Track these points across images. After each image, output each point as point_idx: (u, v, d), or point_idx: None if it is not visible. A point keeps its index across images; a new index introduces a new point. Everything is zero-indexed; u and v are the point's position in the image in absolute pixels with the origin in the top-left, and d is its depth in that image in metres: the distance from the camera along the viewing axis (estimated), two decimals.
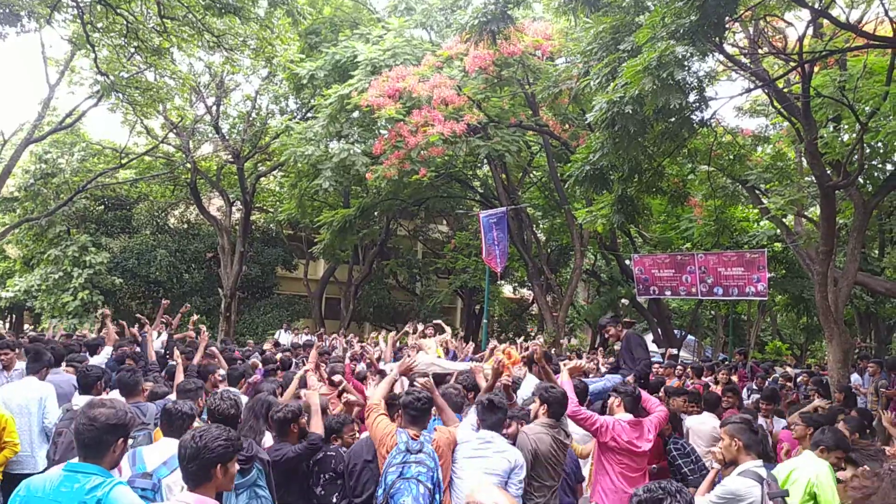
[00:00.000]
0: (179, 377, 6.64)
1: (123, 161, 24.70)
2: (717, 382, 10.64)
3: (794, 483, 4.56)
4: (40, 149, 23.67)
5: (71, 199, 23.16)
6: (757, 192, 14.38)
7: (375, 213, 23.48)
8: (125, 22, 13.80)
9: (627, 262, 19.98)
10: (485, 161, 19.85)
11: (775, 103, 11.11)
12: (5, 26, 14.53)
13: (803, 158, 13.20)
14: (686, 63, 7.24)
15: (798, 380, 12.38)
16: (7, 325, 21.40)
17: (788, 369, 14.62)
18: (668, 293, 16.90)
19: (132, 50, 15.41)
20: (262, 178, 26.97)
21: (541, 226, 25.97)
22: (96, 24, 14.25)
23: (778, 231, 15.49)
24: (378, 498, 4.05)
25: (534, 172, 23.92)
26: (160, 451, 4.26)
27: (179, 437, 3.40)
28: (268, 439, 5.14)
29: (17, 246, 26.19)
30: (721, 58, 9.82)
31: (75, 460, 3.09)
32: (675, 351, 17.32)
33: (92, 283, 23.41)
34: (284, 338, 20.01)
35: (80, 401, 5.70)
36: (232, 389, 6.01)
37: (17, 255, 27.01)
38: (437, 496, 3.97)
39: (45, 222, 23.77)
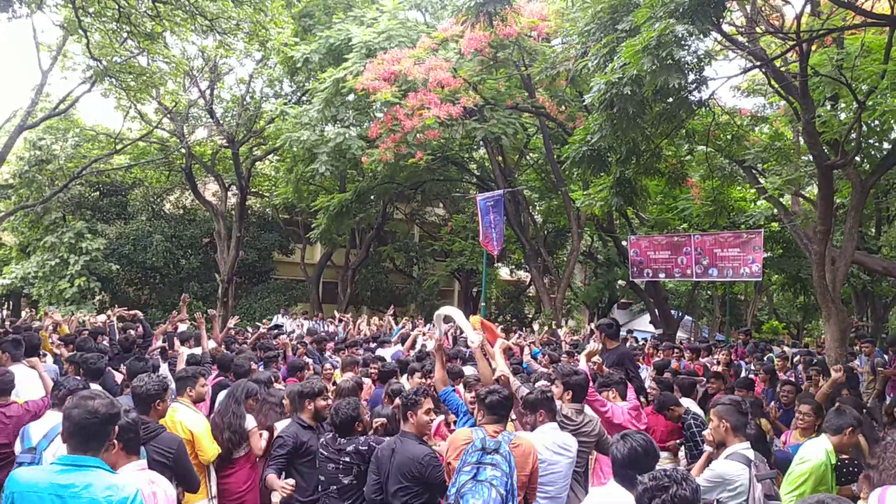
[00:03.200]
0: (181, 365, 6.66)
1: (118, 147, 24.58)
2: (719, 363, 10.67)
3: (803, 465, 4.50)
4: (34, 135, 23.51)
5: (66, 185, 23.05)
6: (754, 172, 14.37)
7: (372, 197, 23.42)
8: (117, 6, 13.64)
9: (624, 243, 19.99)
10: (481, 143, 19.80)
11: (773, 83, 11.08)
12: None
13: (801, 138, 13.19)
14: (685, 42, 7.20)
15: (794, 359, 12.43)
16: (4, 311, 21.36)
17: (786, 348, 14.67)
18: (662, 275, 16.92)
19: (125, 34, 15.27)
20: (258, 163, 26.88)
21: (538, 208, 25.95)
22: (88, 9, 14.09)
23: (775, 211, 15.50)
24: (449, 497, 3.84)
25: (530, 154, 23.87)
26: (43, 426, 4.61)
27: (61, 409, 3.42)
28: (250, 422, 5.30)
29: (12, 233, 26.11)
30: (718, 37, 9.77)
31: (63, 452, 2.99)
32: (655, 331, 17.40)
33: (89, 270, 23.34)
34: (281, 322, 20.02)
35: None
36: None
37: (13, 243, 26.93)
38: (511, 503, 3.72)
39: (41, 209, 23.67)
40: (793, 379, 9.60)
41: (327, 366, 8.30)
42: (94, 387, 5.77)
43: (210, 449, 5.02)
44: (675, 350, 12.07)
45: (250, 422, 5.30)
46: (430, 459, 4.14)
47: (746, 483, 3.92)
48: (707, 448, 4.61)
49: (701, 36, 7.90)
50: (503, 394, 4.26)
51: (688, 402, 6.93)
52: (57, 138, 24.08)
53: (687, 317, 27.63)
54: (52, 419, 4.61)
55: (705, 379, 8.92)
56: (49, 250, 23.62)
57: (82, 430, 2.89)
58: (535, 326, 6.10)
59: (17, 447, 4.72)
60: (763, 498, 3.95)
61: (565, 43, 13.87)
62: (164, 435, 4.43)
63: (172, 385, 5.45)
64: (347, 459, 4.51)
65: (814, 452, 4.40)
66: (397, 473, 4.14)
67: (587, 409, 5.16)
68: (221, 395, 5.95)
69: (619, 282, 24.19)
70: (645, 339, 16.15)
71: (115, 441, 3.15)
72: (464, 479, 3.77)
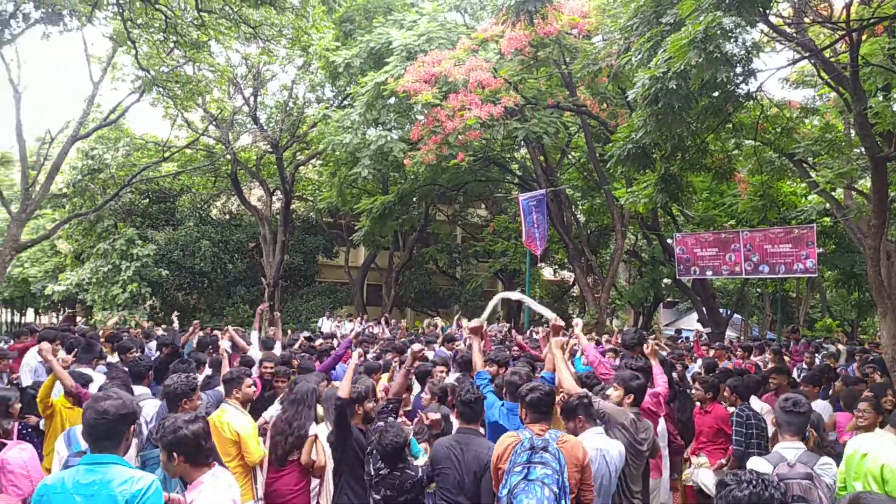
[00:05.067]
0: (225, 368, 6.74)
1: (166, 154, 25.11)
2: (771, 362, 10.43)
3: (863, 462, 4.41)
4: (86, 145, 24.17)
5: (117, 193, 23.63)
6: (805, 165, 14.00)
7: (414, 199, 23.49)
8: (164, 17, 13.97)
9: (670, 241, 19.66)
10: (522, 143, 19.71)
11: (822, 74, 10.78)
12: (49, 26, 14.84)
13: (852, 130, 12.82)
14: (733, 34, 7.04)
15: (847, 357, 12.08)
16: (60, 317, 22.00)
17: (840, 346, 14.26)
18: (709, 273, 16.58)
19: (171, 44, 15.62)
20: (301, 167, 27.20)
21: (580, 207, 25.72)
22: (136, 21, 14.45)
23: (827, 205, 15.08)
24: (501, 498, 3.78)
25: (572, 153, 23.68)
26: None
27: None
28: (313, 428, 5.31)
29: (67, 241, 26.88)
30: (765, 28, 9.55)
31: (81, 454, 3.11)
32: (704, 330, 17.06)
33: (140, 276, 23.91)
34: (327, 325, 20.22)
35: (137, 391, 5.84)
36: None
37: (67, 250, 27.71)
38: (563, 502, 3.64)
39: (94, 217, 24.33)
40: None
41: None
42: (140, 389, 5.96)
43: (256, 451, 5.06)
44: (726, 350, 11.80)
45: (313, 428, 5.32)
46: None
47: None
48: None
49: (748, 27, 7.71)
50: (543, 390, 4.14)
51: (754, 400, 6.78)
52: (108, 148, 24.72)
53: (736, 315, 27.09)
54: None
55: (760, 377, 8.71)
56: (102, 257, 24.26)
57: (95, 430, 3.02)
58: (578, 323, 5.87)
59: (64, 450, 4.80)
60: (789, 498, 3.87)
61: (607, 39, 13.69)
62: None
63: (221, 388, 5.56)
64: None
65: (881, 447, 4.36)
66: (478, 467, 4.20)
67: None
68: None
69: (665, 280, 23.81)
70: (686, 338, 15.86)
71: (175, 454, 3.24)
72: (515, 480, 3.71)
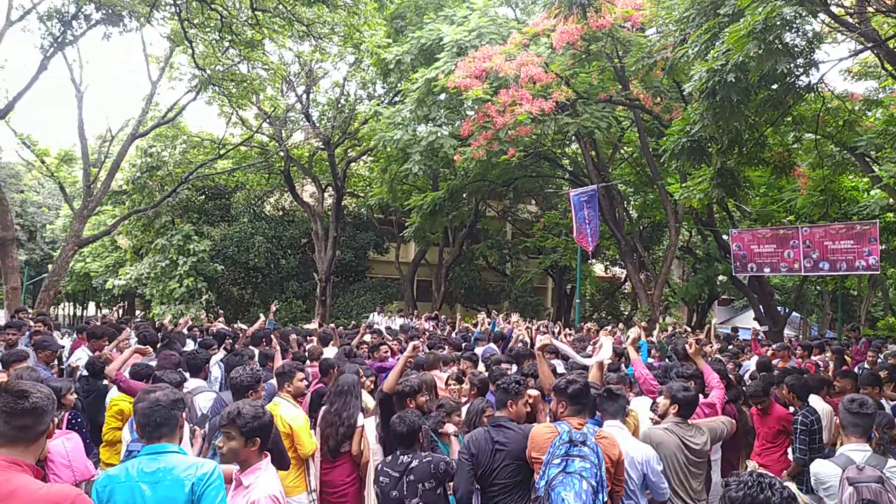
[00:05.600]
0: (278, 362, 6.82)
1: (221, 152, 25.63)
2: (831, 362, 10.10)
3: None
4: (145, 143, 24.87)
5: (175, 190, 24.24)
6: (867, 159, 13.56)
7: (464, 195, 23.51)
8: (219, 16, 14.27)
9: (725, 237, 19.24)
10: (574, 138, 19.51)
11: (886, 65, 10.42)
12: (109, 27, 15.32)
13: None
14: (793, 24, 6.85)
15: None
16: (120, 311, 22.67)
17: None
18: (766, 270, 16.19)
19: (226, 44, 15.95)
20: (353, 164, 27.46)
21: (632, 202, 25.39)
22: (192, 20, 14.79)
23: (891, 200, 14.58)
24: (539, 490, 3.77)
25: (624, 148, 23.36)
26: None
27: None
28: (361, 418, 5.37)
29: (127, 237, 27.69)
30: (826, 18, 9.26)
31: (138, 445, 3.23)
32: (761, 328, 16.61)
33: (196, 271, 24.50)
34: (378, 320, 20.37)
35: (191, 384, 5.97)
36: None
37: (127, 246, 28.56)
38: (601, 496, 3.63)
39: (152, 213, 25.02)
40: None
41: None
42: (196, 381, 6.10)
43: (308, 443, 5.12)
44: (787, 350, 11.45)
45: (361, 418, 5.37)
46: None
47: (836, 485, 3.89)
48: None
49: (809, 18, 7.50)
50: (582, 382, 4.09)
51: (815, 400, 6.59)
52: (166, 145, 25.36)
53: (795, 313, 26.37)
54: None
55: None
56: (160, 252, 24.93)
57: (150, 420, 3.11)
58: (630, 334, 5.64)
59: (127, 435, 4.99)
60: (858, 502, 3.74)
61: (661, 31, 13.46)
62: None
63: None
64: (412, 478, 4.23)
65: None
66: (510, 459, 4.10)
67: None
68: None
69: (720, 277, 23.31)
70: (743, 338, 15.48)
71: (258, 439, 3.33)
72: (553, 472, 3.71)
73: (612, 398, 4.45)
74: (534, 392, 4.79)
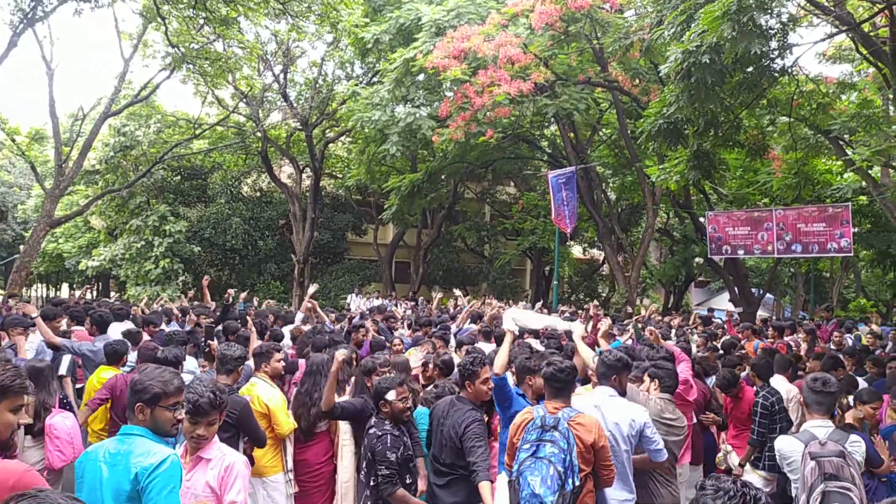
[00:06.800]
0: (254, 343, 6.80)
1: (197, 132, 25.33)
2: (804, 342, 10.25)
3: None
4: (118, 122, 24.47)
5: (149, 170, 23.94)
6: (841, 142, 13.70)
7: (443, 177, 23.45)
8: None
9: (702, 219, 19.41)
10: (552, 120, 19.51)
11: (860, 48, 10.53)
12: (80, 2, 15.02)
13: (891, 105, 12.50)
14: (767, 7, 6.87)
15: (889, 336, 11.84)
16: (93, 292, 22.46)
17: (874, 327, 14.00)
18: (741, 252, 16.38)
19: (201, 21, 15.70)
20: (331, 145, 27.27)
21: (611, 184, 25.47)
22: None
23: (863, 183, 14.76)
24: (511, 474, 3.85)
25: (603, 130, 23.41)
26: None
27: None
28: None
29: (100, 217, 27.32)
30: (802, 1, 9.31)
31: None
32: (735, 309, 16.86)
33: (172, 252, 24.28)
34: (356, 302, 20.36)
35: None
36: None
37: (101, 226, 28.20)
38: (570, 480, 3.61)
39: (126, 193, 24.69)
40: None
41: (396, 341, 8.37)
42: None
43: (285, 423, 5.14)
44: (751, 331, 11.60)
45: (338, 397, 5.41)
46: (474, 427, 4.21)
47: (799, 459, 4.02)
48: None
49: (783, 0, 7.53)
50: (558, 365, 4.00)
51: (780, 380, 6.68)
52: (140, 125, 24.97)
53: (768, 295, 26.73)
54: None
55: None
56: (135, 233, 24.66)
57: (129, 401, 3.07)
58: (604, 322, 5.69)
59: None
60: (819, 476, 3.83)
61: (638, 13, 13.47)
62: (232, 396, 4.59)
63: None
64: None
65: None
66: (447, 433, 4.32)
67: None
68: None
69: (697, 259, 23.53)
70: (719, 318, 15.71)
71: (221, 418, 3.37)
72: (523, 457, 3.74)
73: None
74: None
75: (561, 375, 3.95)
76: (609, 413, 4.22)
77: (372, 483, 4.29)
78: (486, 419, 4.61)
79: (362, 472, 4.49)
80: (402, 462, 4.32)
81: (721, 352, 8.77)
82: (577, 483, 3.65)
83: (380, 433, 4.34)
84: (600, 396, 4.37)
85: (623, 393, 4.45)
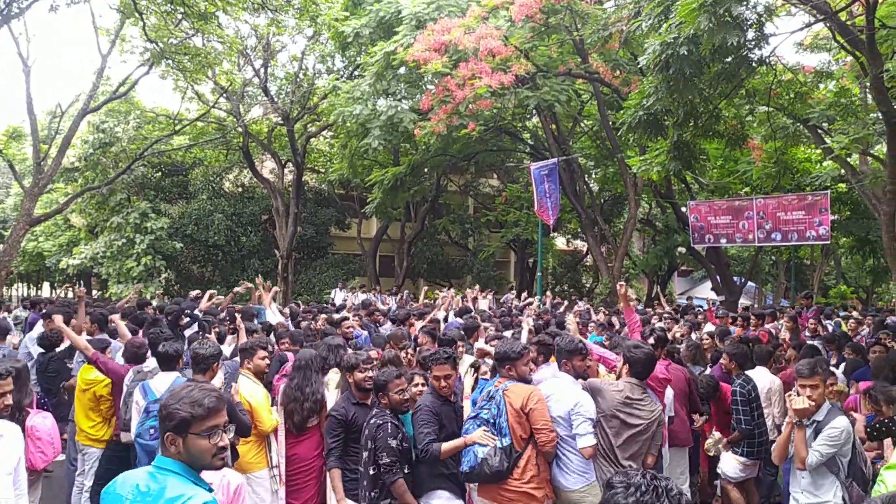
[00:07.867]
0: (242, 339, 6.82)
1: (177, 127, 25.11)
2: (785, 329, 10.33)
3: None
4: (97, 119, 24.18)
5: (129, 167, 23.71)
6: (819, 131, 13.84)
7: (425, 170, 23.42)
8: None
9: (683, 209, 19.54)
10: (534, 112, 19.55)
11: (838, 37, 10.62)
12: None
13: (868, 94, 12.62)
14: None
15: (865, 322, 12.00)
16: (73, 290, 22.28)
17: (855, 313, 14.18)
18: (723, 241, 16.52)
19: (179, 16, 15.58)
20: (312, 139, 27.15)
21: (593, 176, 25.56)
22: None
23: (842, 171, 14.93)
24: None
25: (584, 121, 23.48)
26: (162, 381, 5.14)
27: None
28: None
29: (80, 215, 27.03)
30: None
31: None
32: (716, 298, 17.05)
33: (154, 249, 24.10)
34: (340, 296, 20.31)
35: (151, 363, 5.94)
36: None
37: (81, 224, 27.91)
38: (502, 440, 4.33)
39: (106, 191, 24.44)
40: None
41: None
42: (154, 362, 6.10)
43: (268, 420, 5.15)
44: (732, 317, 11.69)
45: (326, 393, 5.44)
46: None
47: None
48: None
49: None
50: (505, 347, 4.72)
51: (761, 371, 6.73)
52: (119, 121, 24.69)
53: (750, 283, 26.97)
54: (170, 377, 5.20)
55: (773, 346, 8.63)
56: (116, 230, 24.43)
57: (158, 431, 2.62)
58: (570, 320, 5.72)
59: (141, 400, 5.10)
60: None
61: (618, 3, 13.50)
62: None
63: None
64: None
65: None
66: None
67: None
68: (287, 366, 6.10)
69: (679, 249, 23.70)
70: (700, 306, 15.85)
71: None
72: (469, 420, 4.59)
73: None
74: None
75: (503, 354, 4.67)
76: (544, 388, 4.72)
77: (372, 472, 4.43)
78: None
79: (362, 462, 4.57)
80: (401, 451, 4.47)
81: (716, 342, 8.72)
82: (509, 443, 4.30)
83: (381, 421, 4.51)
84: (544, 373, 5.19)
85: (578, 377, 4.92)
